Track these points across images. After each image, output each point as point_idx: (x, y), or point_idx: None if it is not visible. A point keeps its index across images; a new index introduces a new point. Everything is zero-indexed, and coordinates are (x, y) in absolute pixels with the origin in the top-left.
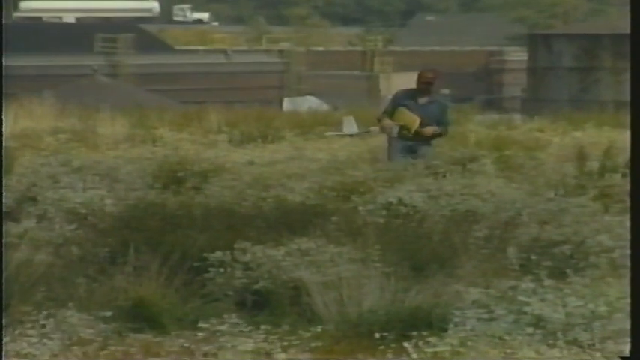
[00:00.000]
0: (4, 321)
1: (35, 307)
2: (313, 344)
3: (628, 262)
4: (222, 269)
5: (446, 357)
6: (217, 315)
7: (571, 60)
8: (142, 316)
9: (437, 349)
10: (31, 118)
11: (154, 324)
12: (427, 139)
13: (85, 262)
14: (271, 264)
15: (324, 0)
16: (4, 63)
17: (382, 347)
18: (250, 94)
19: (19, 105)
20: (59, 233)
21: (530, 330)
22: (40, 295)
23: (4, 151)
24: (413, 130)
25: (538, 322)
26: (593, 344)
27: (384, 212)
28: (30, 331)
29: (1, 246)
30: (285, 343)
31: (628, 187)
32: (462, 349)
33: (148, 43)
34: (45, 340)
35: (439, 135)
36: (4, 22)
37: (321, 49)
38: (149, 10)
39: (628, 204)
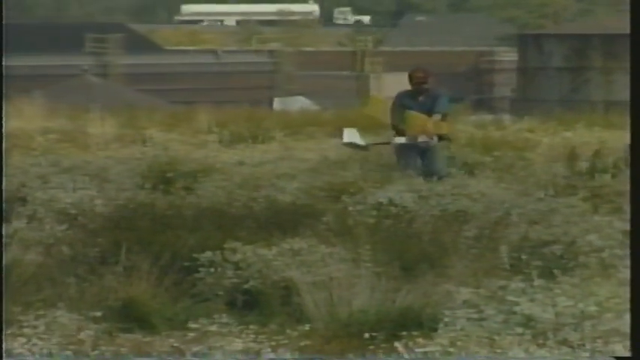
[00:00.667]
0: None
1: (25, 307)
2: (303, 344)
3: (617, 262)
4: (212, 269)
5: (436, 357)
6: (207, 315)
7: (561, 60)
8: (132, 316)
9: (427, 349)
10: (20, 118)
11: (144, 324)
12: (444, 136)
13: (75, 262)
14: (261, 264)
15: (314, 0)
16: (4, 63)
17: (372, 347)
18: (240, 95)
19: (9, 105)
20: (49, 233)
21: (520, 330)
22: (30, 295)
23: (4, 151)
24: (441, 130)
25: (528, 322)
26: (583, 344)
27: (375, 212)
28: (20, 331)
29: (1, 246)
30: (274, 343)
31: (618, 187)
32: (452, 349)
33: (138, 43)
34: (35, 341)
35: (442, 120)
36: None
37: (311, 49)
38: (310, 13)
39: (618, 204)
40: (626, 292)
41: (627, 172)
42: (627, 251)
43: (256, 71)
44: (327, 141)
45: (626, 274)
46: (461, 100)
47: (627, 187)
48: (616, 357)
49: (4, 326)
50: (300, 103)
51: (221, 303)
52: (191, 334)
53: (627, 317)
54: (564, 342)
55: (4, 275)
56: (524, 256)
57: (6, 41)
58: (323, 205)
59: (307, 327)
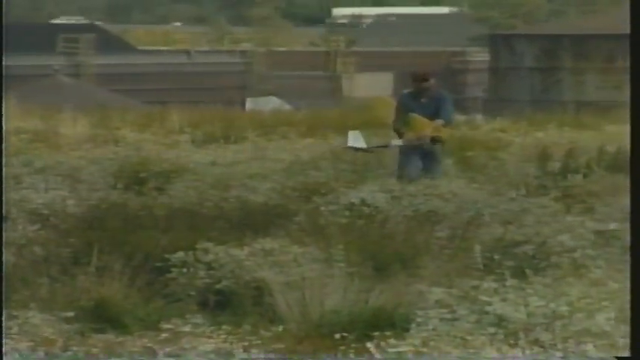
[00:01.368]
0: None
1: None
2: (275, 345)
3: (589, 262)
4: (184, 269)
5: (408, 357)
6: (180, 315)
7: (532, 60)
8: (104, 317)
9: (399, 349)
10: None
11: (117, 324)
12: (438, 138)
13: (47, 262)
14: (234, 264)
15: (286, 0)
16: (4, 63)
17: (344, 347)
18: (213, 95)
19: None
20: (21, 234)
21: (492, 330)
22: (2, 295)
23: (3, 151)
24: (439, 133)
25: (500, 322)
26: (555, 344)
27: (347, 213)
28: None
29: (1, 246)
30: (247, 344)
31: (589, 187)
32: (424, 349)
33: (110, 43)
34: (6, 341)
35: (444, 126)
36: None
37: (283, 49)
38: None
39: (589, 204)
40: (597, 292)
41: (598, 173)
42: (599, 251)
43: (229, 71)
44: (299, 141)
45: (597, 274)
46: None
47: (598, 188)
48: (616, 357)
49: (3, 326)
50: (272, 103)
51: (193, 303)
52: (163, 335)
53: (598, 317)
54: (536, 342)
55: (3, 275)
56: (496, 256)
57: None
58: (295, 205)
59: (279, 327)
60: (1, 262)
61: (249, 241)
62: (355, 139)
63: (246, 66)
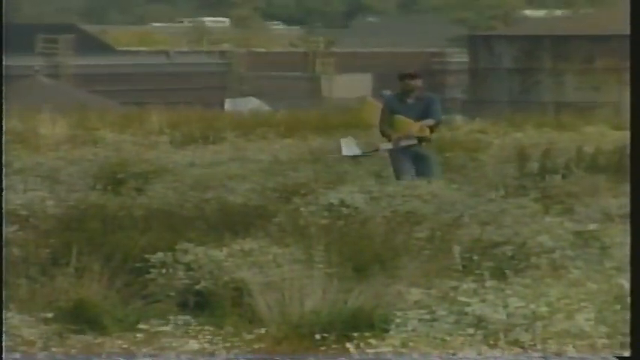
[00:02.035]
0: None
1: None
2: (254, 345)
3: (568, 263)
4: (163, 270)
5: (388, 358)
6: (159, 316)
7: (511, 61)
8: (83, 318)
9: (379, 349)
10: None
11: (95, 325)
12: (425, 138)
13: (26, 263)
14: (213, 265)
15: (266, 1)
16: (4, 63)
17: (323, 348)
18: (192, 96)
19: None
20: None
21: (471, 331)
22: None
23: (3, 151)
24: (424, 133)
25: (479, 322)
26: (534, 345)
27: (326, 213)
28: None
29: (1, 246)
30: (229, 344)
31: (568, 188)
32: (403, 350)
33: (90, 44)
34: None
35: (433, 127)
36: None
37: (262, 50)
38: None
39: (568, 205)
40: (576, 293)
41: (577, 173)
42: (578, 252)
43: (208, 72)
44: (278, 142)
45: (576, 274)
46: None
47: (577, 188)
48: (616, 357)
49: (3, 326)
50: (251, 104)
51: (173, 304)
52: (142, 336)
53: (578, 318)
54: (515, 342)
55: (3, 275)
56: (475, 257)
57: None
58: (275, 206)
59: (259, 327)
60: (1, 262)
61: (229, 242)
62: (348, 147)
63: (226, 67)
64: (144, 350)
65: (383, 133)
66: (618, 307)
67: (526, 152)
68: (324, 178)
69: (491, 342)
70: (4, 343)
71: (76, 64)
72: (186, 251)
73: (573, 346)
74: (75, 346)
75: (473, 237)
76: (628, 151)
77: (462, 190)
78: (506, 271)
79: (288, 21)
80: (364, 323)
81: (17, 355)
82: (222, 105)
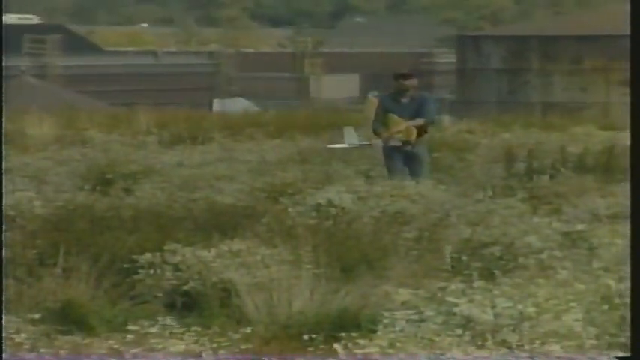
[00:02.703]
0: None
1: None
2: (243, 346)
3: (556, 263)
4: (151, 271)
5: (375, 358)
6: (147, 317)
7: (499, 62)
8: (70, 318)
9: (366, 350)
10: None
11: (83, 326)
12: (410, 141)
13: (13, 264)
14: (201, 265)
15: (254, 2)
16: (4, 63)
17: (311, 348)
18: (180, 96)
19: None
20: None
21: (459, 331)
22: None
23: (4, 151)
24: (410, 136)
25: (467, 323)
26: (522, 345)
27: (314, 213)
28: None
29: (1, 246)
30: (215, 345)
31: (556, 188)
32: (391, 350)
33: (77, 44)
34: None
35: (426, 126)
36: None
37: (250, 50)
38: None
39: (556, 205)
40: (564, 293)
41: (565, 174)
42: (566, 252)
43: (196, 73)
44: (267, 142)
45: (564, 275)
46: None
47: (565, 189)
48: (617, 357)
49: (3, 327)
50: (239, 104)
51: (160, 304)
52: (130, 336)
53: (565, 318)
54: (503, 343)
55: (3, 275)
56: (463, 258)
57: None
58: (263, 206)
59: (246, 328)
60: (1, 262)
61: (217, 243)
62: (350, 137)
63: (214, 67)
64: (132, 351)
65: (375, 131)
66: (606, 307)
67: (514, 153)
68: (312, 178)
69: (479, 342)
70: (4, 344)
71: (63, 65)
72: (174, 252)
73: (561, 347)
74: (63, 347)
75: (461, 237)
76: (616, 151)
77: (449, 191)
78: (495, 272)
79: (277, 21)
80: (352, 323)
81: (17, 356)
82: (210, 105)
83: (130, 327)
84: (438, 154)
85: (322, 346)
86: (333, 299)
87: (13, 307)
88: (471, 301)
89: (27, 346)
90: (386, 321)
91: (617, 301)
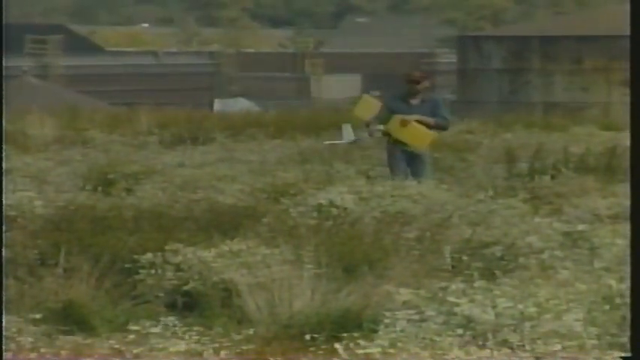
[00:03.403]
0: None
1: None
2: (244, 346)
3: (556, 264)
4: (152, 271)
5: (376, 358)
6: (148, 317)
7: (500, 62)
8: (72, 319)
9: (367, 350)
10: None
11: (84, 326)
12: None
13: (14, 264)
14: (202, 266)
15: (254, 2)
16: (4, 63)
17: (313, 349)
18: (181, 96)
19: None
20: None
21: (460, 331)
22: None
23: (4, 151)
24: (425, 142)
25: (468, 323)
26: (523, 345)
27: (315, 214)
28: None
29: (1, 246)
30: (217, 345)
31: (557, 188)
32: (392, 351)
33: (78, 44)
34: None
35: (441, 127)
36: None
37: (251, 50)
38: None
39: (557, 205)
40: (565, 294)
41: (566, 174)
42: (567, 252)
43: (197, 73)
44: (268, 142)
45: (565, 275)
46: None
47: (566, 189)
48: (621, 357)
49: (3, 327)
50: (240, 104)
51: (161, 305)
52: (131, 336)
53: (566, 318)
54: (504, 343)
55: (3, 275)
56: (464, 258)
57: None
58: (264, 206)
59: (248, 328)
60: (1, 262)
61: (218, 243)
62: (347, 133)
63: (215, 67)
64: (134, 351)
65: (367, 125)
66: (607, 307)
67: (515, 153)
68: (313, 178)
69: (480, 342)
70: (4, 344)
71: (64, 65)
72: (175, 252)
73: (562, 347)
74: (64, 347)
75: (462, 237)
76: (618, 151)
77: (451, 191)
78: (495, 272)
79: (277, 22)
80: (353, 324)
81: (16, 357)
82: (211, 106)
83: (131, 327)
84: (439, 155)
85: (323, 347)
86: (334, 299)
87: (15, 308)
88: (471, 301)
89: (28, 346)
90: (387, 321)
91: (618, 301)
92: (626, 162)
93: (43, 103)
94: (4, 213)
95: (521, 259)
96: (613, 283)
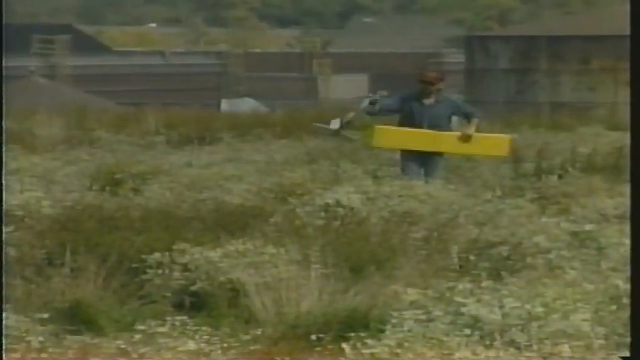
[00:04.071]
0: None
1: None
2: (251, 346)
3: (564, 264)
4: (160, 271)
5: (383, 358)
6: (155, 316)
7: (507, 62)
8: (79, 318)
9: (374, 350)
10: None
11: (92, 326)
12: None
13: (22, 264)
14: (209, 265)
15: (262, 2)
16: (4, 63)
17: (319, 348)
18: (188, 96)
19: None
20: None
21: (467, 331)
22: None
23: (4, 151)
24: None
25: (475, 323)
26: (530, 345)
27: (322, 213)
28: None
29: (1, 246)
30: (226, 345)
31: (564, 188)
32: (399, 351)
33: (86, 44)
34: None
35: (477, 125)
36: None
37: (259, 50)
38: None
39: (564, 205)
40: (572, 293)
41: (573, 174)
42: (574, 252)
43: (204, 73)
44: (275, 142)
45: (572, 275)
46: None
47: (573, 189)
48: (621, 357)
49: (4, 326)
50: (247, 104)
51: (169, 304)
52: (138, 336)
53: (574, 318)
54: (511, 343)
55: (3, 275)
56: (471, 258)
57: None
58: (271, 206)
59: (255, 328)
60: (1, 262)
61: (225, 243)
62: (334, 123)
63: (222, 67)
64: (141, 351)
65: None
66: (614, 307)
67: (522, 153)
68: (320, 178)
69: (487, 342)
70: (4, 344)
71: (72, 65)
72: (182, 252)
73: (569, 347)
74: (71, 347)
75: (469, 237)
76: (625, 151)
77: (458, 191)
78: (503, 272)
79: (285, 22)
80: (360, 323)
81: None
82: (218, 106)
83: (139, 327)
84: (446, 154)
85: (330, 346)
86: (341, 299)
87: (22, 307)
88: (479, 301)
89: (36, 346)
90: (394, 321)
91: (625, 301)
92: None
93: (50, 103)
94: (3, 213)
95: (529, 259)
96: (620, 283)
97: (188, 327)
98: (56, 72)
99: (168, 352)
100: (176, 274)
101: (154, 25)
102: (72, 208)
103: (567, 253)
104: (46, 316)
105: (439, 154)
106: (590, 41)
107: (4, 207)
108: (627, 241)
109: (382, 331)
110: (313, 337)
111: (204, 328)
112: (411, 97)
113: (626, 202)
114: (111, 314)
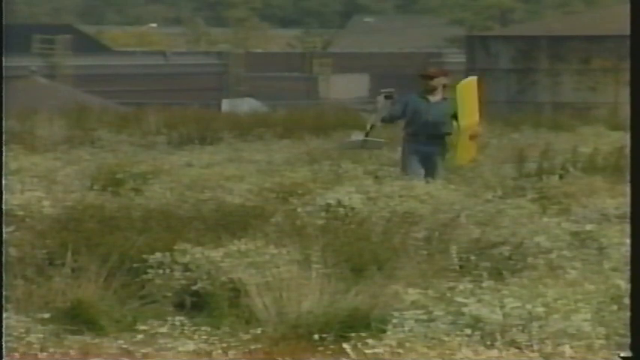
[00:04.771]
0: None
1: None
2: (252, 346)
3: (565, 264)
4: (161, 271)
5: (384, 358)
6: (156, 317)
7: (508, 62)
8: (80, 318)
9: (375, 350)
10: None
11: (93, 326)
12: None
13: (22, 263)
14: (210, 265)
15: (263, 2)
16: (4, 63)
17: (321, 348)
18: (189, 96)
19: None
20: None
21: (468, 331)
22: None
23: (4, 151)
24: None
25: (476, 323)
26: (531, 345)
27: (323, 214)
28: None
29: (1, 246)
30: (225, 345)
31: (565, 188)
32: (400, 351)
33: (86, 44)
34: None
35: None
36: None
37: (259, 50)
38: None
39: (565, 205)
40: (573, 293)
41: (574, 174)
42: (575, 252)
43: (205, 73)
44: (276, 142)
45: (573, 275)
46: None
47: (574, 189)
48: (621, 357)
49: (3, 326)
50: (248, 104)
51: (170, 304)
52: (139, 336)
53: (575, 318)
54: (512, 343)
55: (3, 275)
56: (472, 258)
57: None
58: (272, 206)
59: (256, 328)
60: (1, 262)
61: (226, 243)
62: (355, 135)
63: (223, 67)
64: (142, 351)
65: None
66: (615, 307)
67: (523, 153)
68: (321, 178)
69: (488, 342)
70: (4, 344)
71: (73, 65)
72: (183, 252)
73: (570, 347)
74: (72, 347)
75: (470, 237)
76: (626, 151)
77: (459, 191)
78: (504, 272)
79: (286, 22)
80: (361, 323)
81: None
82: (219, 105)
83: (140, 327)
84: (447, 154)
85: (332, 346)
86: (342, 299)
87: (23, 307)
88: (479, 301)
89: (37, 346)
90: (395, 321)
91: (626, 301)
92: None
93: (51, 103)
94: (3, 213)
95: (530, 259)
96: (621, 283)
97: (189, 327)
98: (57, 72)
99: (170, 351)
100: (177, 274)
101: (154, 25)
102: (73, 208)
103: (568, 253)
104: (46, 316)
105: (440, 153)
106: (591, 41)
107: (4, 207)
108: (628, 241)
109: (383, 331)
110: (314, 337)
111: (205, 328)
112: (413, 96)
113: (627, 202)
114: (112, 314)
